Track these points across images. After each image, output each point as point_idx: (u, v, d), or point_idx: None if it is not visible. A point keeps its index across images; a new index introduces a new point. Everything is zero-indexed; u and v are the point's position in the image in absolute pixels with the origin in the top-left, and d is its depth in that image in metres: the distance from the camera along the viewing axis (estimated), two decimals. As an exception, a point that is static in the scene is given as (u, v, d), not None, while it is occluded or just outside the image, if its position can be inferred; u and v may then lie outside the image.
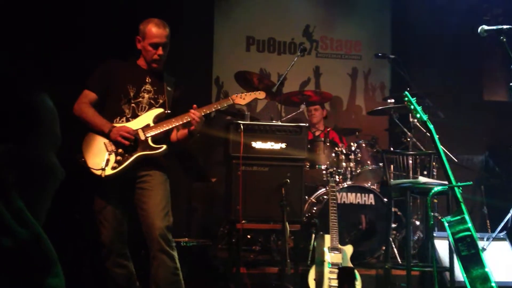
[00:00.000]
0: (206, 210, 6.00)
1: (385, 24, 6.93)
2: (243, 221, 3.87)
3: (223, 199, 4.46)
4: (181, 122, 3.28)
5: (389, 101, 5.26)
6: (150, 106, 3.32)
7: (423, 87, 5.24)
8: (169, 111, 3.32)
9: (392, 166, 5.18)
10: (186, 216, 5.22)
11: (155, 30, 3.28)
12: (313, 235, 4.42)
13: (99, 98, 3.30)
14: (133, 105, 3.29)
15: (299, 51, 4.99)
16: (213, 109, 3.41)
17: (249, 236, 5.03)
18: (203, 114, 3.28)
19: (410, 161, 5.07)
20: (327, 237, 4.02)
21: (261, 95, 3.49)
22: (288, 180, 3.89)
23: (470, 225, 2.99)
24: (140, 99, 3.31)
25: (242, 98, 3.43)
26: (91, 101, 3.27)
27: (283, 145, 4.03)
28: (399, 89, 5.31)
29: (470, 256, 2.94)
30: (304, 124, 4.21)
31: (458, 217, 3.03)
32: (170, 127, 3.27)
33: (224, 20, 6.50)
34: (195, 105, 3.31)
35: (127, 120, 3.27)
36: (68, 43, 4.88)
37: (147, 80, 3.35)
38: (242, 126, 3.96)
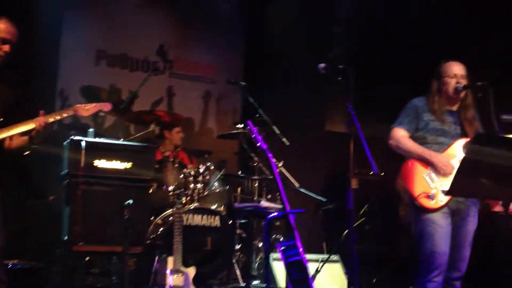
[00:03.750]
0: (42, 230, 5.59)
1: (239, 48, 7.12)
2: (81, 243, 3.68)
3: (60, 218, 4.22)
4: (22, 130, 3.00)
5: (239, 126, 5.38)
6: None
7: (272, 114, 5.44)
8: (1, 119, 3.01)
9: (239, 189, 5.30)
10: (18, 236, 4.80)
11: (4, 26, 3.03)
12: (156, 257, 4.33)
13: None
14: None
15: (151, 70, 4.93)
16: (56, 118, 3.16)
17: (87, 259, 4.78)
18: (49, 122, 3.06)
19: (256, 185, 5.22)
20: (170, 259, 3.96)
21: (106, 106, 3.34)
22: (132, 201, 3.78)
23: (300, 250, 3.16)
24: None
25: (86, 109, 3.26)
26: None
27: (129, 165, 3.93)
28: (250, 114, 5.47)
29: (300, 279, 3.12)
30: (153, 145, 4.14)
31: (290, 243, 3.19)
32: (8, 134, 2.96)
33: (73, 30, 6.15)
34: (42, 111, 3.09)
35: None
36: None
37: None
38: (84, 143, 3.78)
